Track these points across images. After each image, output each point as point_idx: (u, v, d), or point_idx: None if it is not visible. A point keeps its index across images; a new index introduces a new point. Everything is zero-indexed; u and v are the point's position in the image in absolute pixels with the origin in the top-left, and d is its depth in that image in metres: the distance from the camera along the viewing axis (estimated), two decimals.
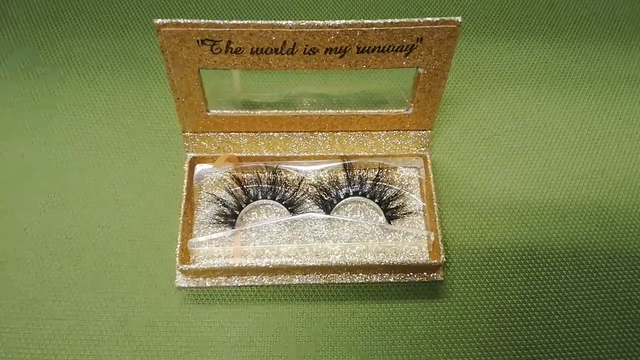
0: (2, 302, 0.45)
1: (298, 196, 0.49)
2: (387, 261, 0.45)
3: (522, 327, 0.45)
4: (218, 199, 0.49)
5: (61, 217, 0.49)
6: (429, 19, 0.40)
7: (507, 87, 0.59)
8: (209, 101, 0.47)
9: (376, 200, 0.49)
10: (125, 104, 0.57)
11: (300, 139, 0.50)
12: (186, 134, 0.49)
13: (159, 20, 0.39)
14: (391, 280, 0.46)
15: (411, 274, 0.46)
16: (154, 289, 0.46)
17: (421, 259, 0.47)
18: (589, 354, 0.44)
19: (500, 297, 0.46)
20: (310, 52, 0.41)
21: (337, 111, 0.48)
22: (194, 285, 0.45)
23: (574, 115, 0.57)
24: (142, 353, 0.43)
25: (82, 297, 0.45)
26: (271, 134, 0.50)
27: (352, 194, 0.49)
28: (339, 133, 0.50)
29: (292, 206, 0.49)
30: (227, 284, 0.45)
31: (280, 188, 0.49)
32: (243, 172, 0.51)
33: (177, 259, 0.44)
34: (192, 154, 0.50)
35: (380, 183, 0.50)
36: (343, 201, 0.49)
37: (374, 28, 0.40)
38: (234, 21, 0.39)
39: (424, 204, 0.49)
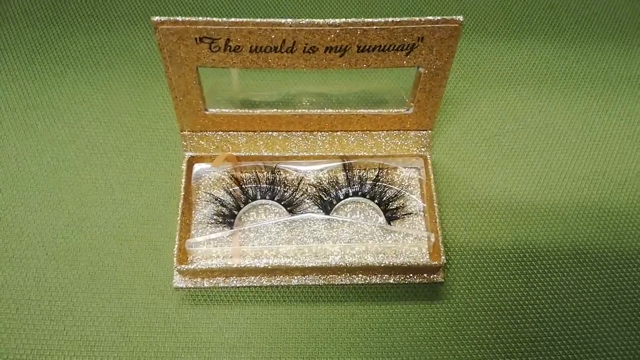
0: None
1: (297, 196, 0.49)
2: (387, 262, 0.45)
3: (522, 329, 0.45)
4: (216, 199, 0.49)
5: (57, 216, 0.49)
6: (430, 18, 0.39)
7: (508, 88, 0.59)
8: (208, 100, 0.46)
9: (376, 201, 0.49)
10: (122, 102, 0.56)
11: (300, 139, 0.50)
12: (184, 133, 0.49)
13: (156, 18, 0.38)
14: (391, 281, 0.45)
15: (411, 275, 0.45)
16: (151, 290, 0.45)
17: (421, 260, 0.46)
18: (589, 355, 0.43)
19: (501, 299, 0.46)
20: (310, 50, 0.41)
21: (337, 111, 0.48)
22: (192, 286, 0.45)
23: (575, 115, 0.57)
24: (139, 354, 0.43)
25: (79, 298, 0.45)
26: (270, 133, 0.50)
27: (351, 194, 0.49)
28: (338, 133, 0.50)
29: (291, 206, 0.48)
30: (226, 285, 0.45)
31: (279, 188, 0.49)
32: (242, 172, 0.51)
33: (175, 259, 0.43)
34: (190, 153, 0.49)
35: (380, 183, 0.49)
36: (342, 201, 0.49)
37: (374, 27, 0.39)
38: (233, 19, 0.39)
39: (424, 205, 0.49)
